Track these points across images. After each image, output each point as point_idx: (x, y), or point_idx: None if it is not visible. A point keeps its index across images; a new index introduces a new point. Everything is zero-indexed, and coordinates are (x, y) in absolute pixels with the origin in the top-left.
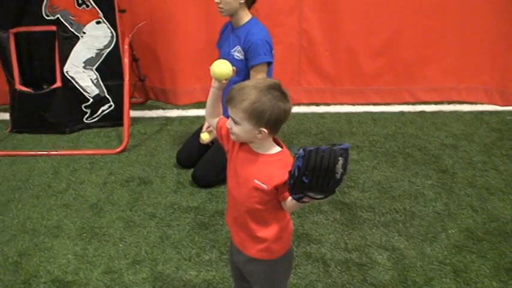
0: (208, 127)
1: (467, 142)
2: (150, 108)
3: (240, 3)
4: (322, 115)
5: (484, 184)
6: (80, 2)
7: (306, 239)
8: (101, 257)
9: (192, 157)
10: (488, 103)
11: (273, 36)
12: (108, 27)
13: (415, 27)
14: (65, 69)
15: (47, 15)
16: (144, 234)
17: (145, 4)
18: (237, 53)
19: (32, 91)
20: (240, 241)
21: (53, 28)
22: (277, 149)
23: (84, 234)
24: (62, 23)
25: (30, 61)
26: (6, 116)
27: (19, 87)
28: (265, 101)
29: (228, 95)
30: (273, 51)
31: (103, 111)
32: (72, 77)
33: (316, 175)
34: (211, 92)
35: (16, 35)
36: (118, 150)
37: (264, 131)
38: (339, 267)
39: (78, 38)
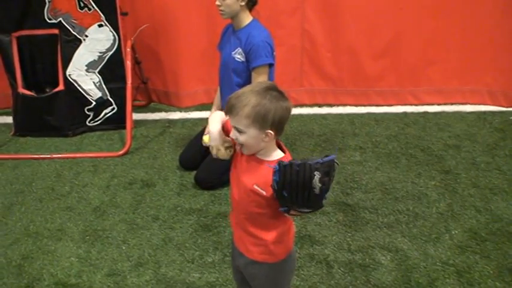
0: None
1: (470, 142)
2: (153, 110)
3: (241, 6)
4: (324, 116)
5: (487, 184)
6: (82, 5)
7: (309, 240)
8: (104, 260)
9: (194, 159)
10: (493, 105)
11: (275, 37)
12: (111, 30)
13: (418, 29)
14: (67, 73)
15: (49, 19)
16: (147, 236)
17: (147, 7)
18: (238, 55)
19: (34, 94)
20: (242, 243)
21: (55, 31)
22: (280, 154)
23: (88, 237)
24: (64, 26)
25: (32, 64)
26: (9, 119)
27: (22, 90)
28: (266, 102)
29: (227, 105)
30: (275, 53)
31: (106, 114)
32: (74, 80)
33: (294, 190)
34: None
35: (18, 38)
36: (121, 153)
37: (270, 133)
38: (342, 269)
39: (80, 41)
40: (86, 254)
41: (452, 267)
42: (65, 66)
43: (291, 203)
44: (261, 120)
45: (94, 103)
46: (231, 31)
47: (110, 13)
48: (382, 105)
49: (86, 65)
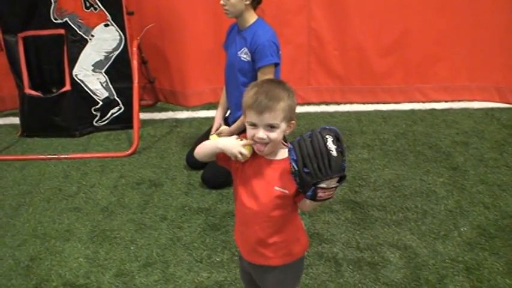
0: (217, 129)
1: (478, 139)
2: (160, 110)
3: (246, 5)
4: (332, 114)
5: (495, 181)
6: (88, 4)
7: (318, 238)
8: (112, 260)
9: None
10: (501, 101)
11: (282, 36)
12: (117, 30)
13: (425, 26)
14: (74, 73)
15: (55, 19)
16: (155, 236)
17: (153, 6)
18: (244, 55)
19: (41, 95)
20: (257, 255)
21: (62, 31)
22: (284, 152)
23: (95, 238)
24: (70, 26)
25: (39, 65)
26: (16, 120)
27: (28, 91)
28: (290, 95)
29: (258, 106)
30: (280, 52)
31: (113, 114)
32: (81, 80)
33: (313, 161)
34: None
35: (25, 39)
36: (128, 152)
37: (293, 123)
38: (351, 267)
39: (86, 41)
40: (94, 255)
41: (462, 264)
42: (72, 66)
43: (315, 178)
44: (291, 112)
45: (101, 103)
46: (236, 30)
47: (116, 12)
48: (390, 103)
49: (93, 65)
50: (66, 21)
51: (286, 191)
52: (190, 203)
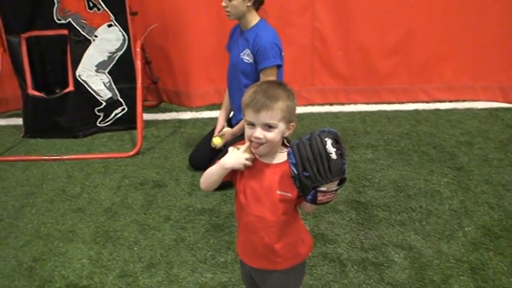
0: (220, 131)
1: (482, 139)
2: (163, 110)
3: (248, 6)
4: (336, 115)
5: (500, 181)
6: (91, 5)
7: (322, 239)
8: (116, 261)
9: (204, 159)
10: (505, 101)
11: (286, 36)
12: (120, 30)
13: (429, 25)
14: (77, 73)
15: (59, 19)
16: (159, 237)
17: (156, 6)
18: (246, 57)
19: (44, 96)
20: (264, 261)
21: (65, 32)
22: (283, 155)
23: (99, 238)
24: (74, 26)
25: (42, 65)
26: (19, 121)
27: (31, 92)
28: (289, 96)
29: (255, 104)
30: (283, 53)
31: (116, 114)
32: (84, 81)
33: (312, 164)
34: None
35: (28, 39)
36: (131, 153)
37: (293, 125)
38: (355, 267)
39: (90, 42)
40: (98, 256)
41: (466, 264)
42: (75, 67)
43: (315, 180)
44: (290, 113)
45: (104, 104)
46: (239, 32)
47: (119, 13)
48: (394, 103)
49: (96, 66)
50: (69, 21)
51: (289, 195)
52: (194, 204)
